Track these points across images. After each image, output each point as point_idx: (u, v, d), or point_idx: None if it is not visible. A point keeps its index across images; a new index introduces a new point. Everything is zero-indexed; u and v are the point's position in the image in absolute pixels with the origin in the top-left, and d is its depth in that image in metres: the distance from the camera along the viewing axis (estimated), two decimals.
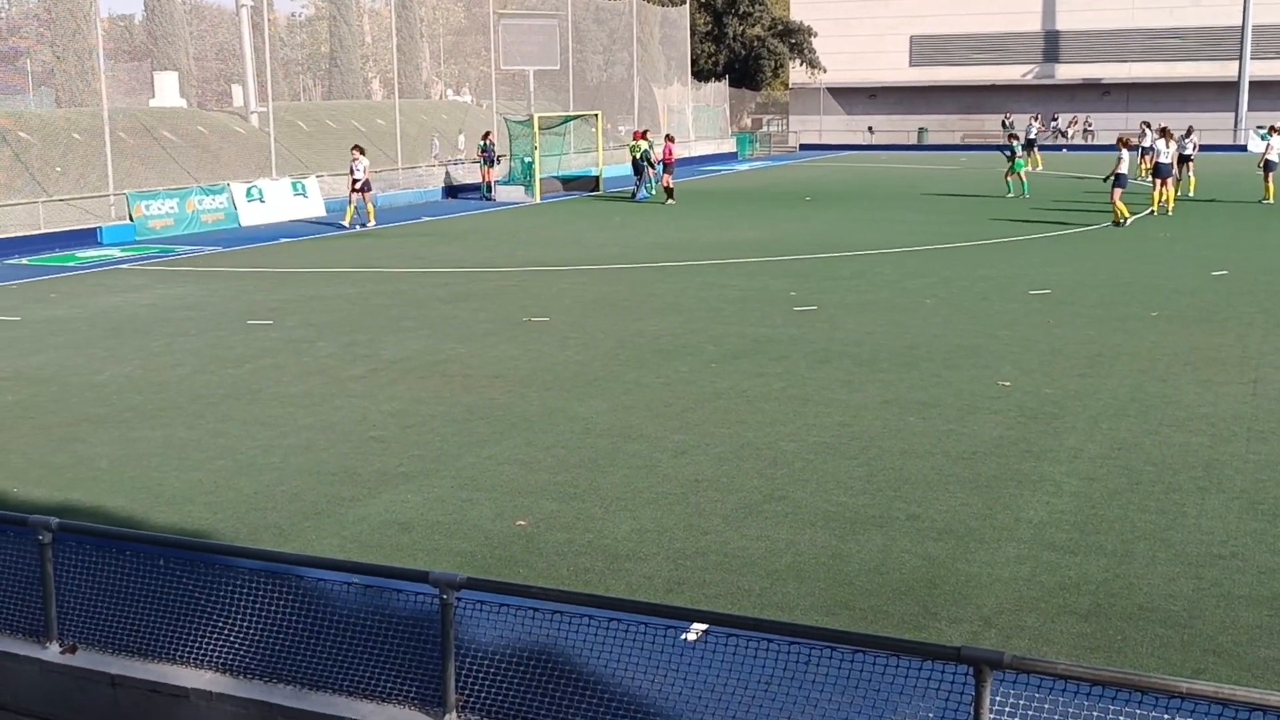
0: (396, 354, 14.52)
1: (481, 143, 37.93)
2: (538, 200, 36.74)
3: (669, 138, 37.77)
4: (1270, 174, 32.46)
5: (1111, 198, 27.60)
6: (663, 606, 6.20)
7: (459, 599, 5.47)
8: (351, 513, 8.98)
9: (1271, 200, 32.14)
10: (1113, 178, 27.90)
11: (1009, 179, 35.52)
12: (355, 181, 29.21)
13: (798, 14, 71.05)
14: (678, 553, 8.08)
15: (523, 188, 37.30)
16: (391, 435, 11.01)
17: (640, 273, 21.30)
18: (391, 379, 13.22)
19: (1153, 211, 29.64)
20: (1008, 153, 35.86)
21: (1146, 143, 35.80)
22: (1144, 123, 41.32)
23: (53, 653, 6.46)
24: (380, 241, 26.90)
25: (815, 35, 69.02)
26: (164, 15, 42.19)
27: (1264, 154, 33.08)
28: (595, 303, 18.05)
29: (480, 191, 37.84)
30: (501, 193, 37.47)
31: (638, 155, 37.23)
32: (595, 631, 5.45)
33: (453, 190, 38.89)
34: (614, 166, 42.41)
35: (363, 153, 29.52)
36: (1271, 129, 33.32)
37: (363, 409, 11.95)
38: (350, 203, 29.65)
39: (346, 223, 29.53)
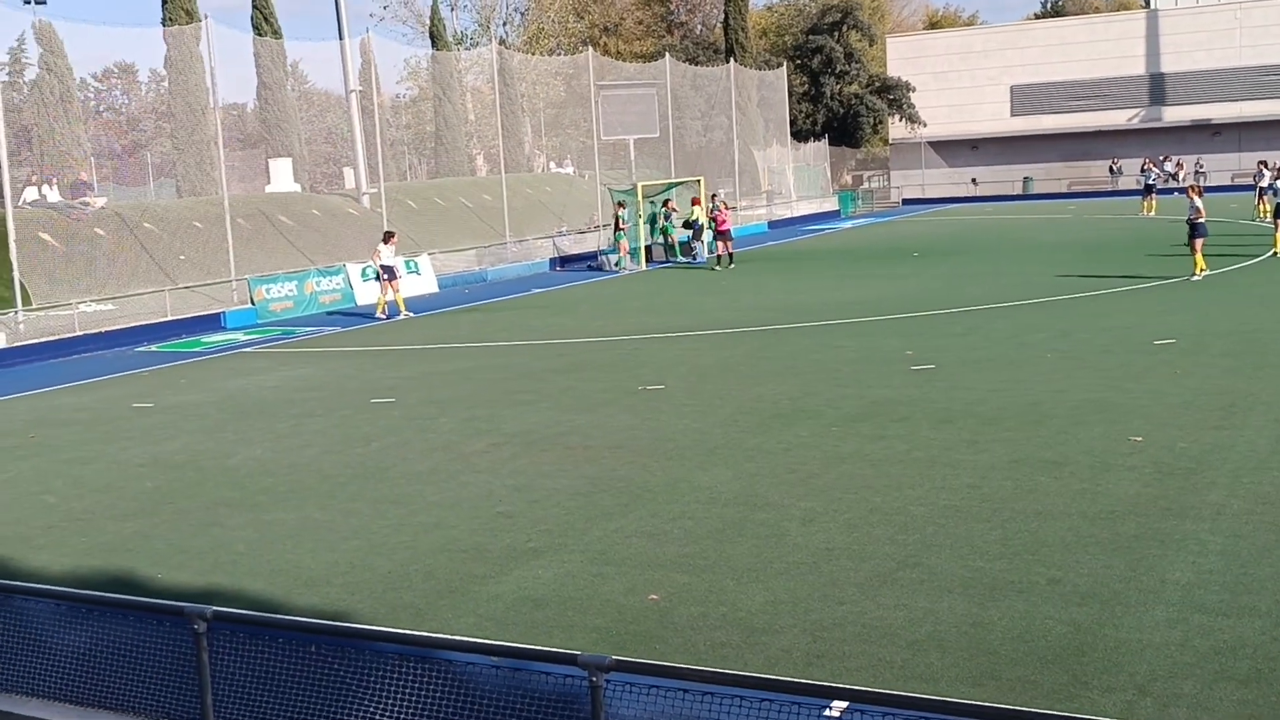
0: (517, 427, 14.66)
1: (618, 214, 37.30)
2: (644, 268, 37.00)
3: (726, 205, 37.71)
4: None
5: (1192, 249, 25.69)
6: (818, 686, 6.13)
7: (608, 681, 5.47)
8: (485, 590, 9.05)
9: None
10: (1189, 228, 25.79)
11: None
12: (383, 269, 27.64)
13: (895, 70, 70.97)
14: (814, 624, 7.99)
15: (629, 256, 37.67)
16: (518, 510, 11.09)
17: (752, 336, 21.28)
18: (514, 453, 13.35)
19: (1275, 253, 28.86)
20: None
21: (1264, 183, 34.95)
22: (1261, 161, 40.38)
23: None
24: (492, 315, 27.27)
25: (914, 90, 68.85)
26: (276, 103, 43.43)
27: None
28: (709, 369, 18.06)
29: (598, 261, 38.06)
30: (608, 262, 37.82)
31: (689, 220, 38.07)
32: (746, 713, 5.39)
33: (561, 261, 39.42)
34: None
35: (385, 240, 27.80)
36: None
37: (488, 484, 12.07)
38: (382, 294, 27.93)
39: (380, 314, 27.67)
